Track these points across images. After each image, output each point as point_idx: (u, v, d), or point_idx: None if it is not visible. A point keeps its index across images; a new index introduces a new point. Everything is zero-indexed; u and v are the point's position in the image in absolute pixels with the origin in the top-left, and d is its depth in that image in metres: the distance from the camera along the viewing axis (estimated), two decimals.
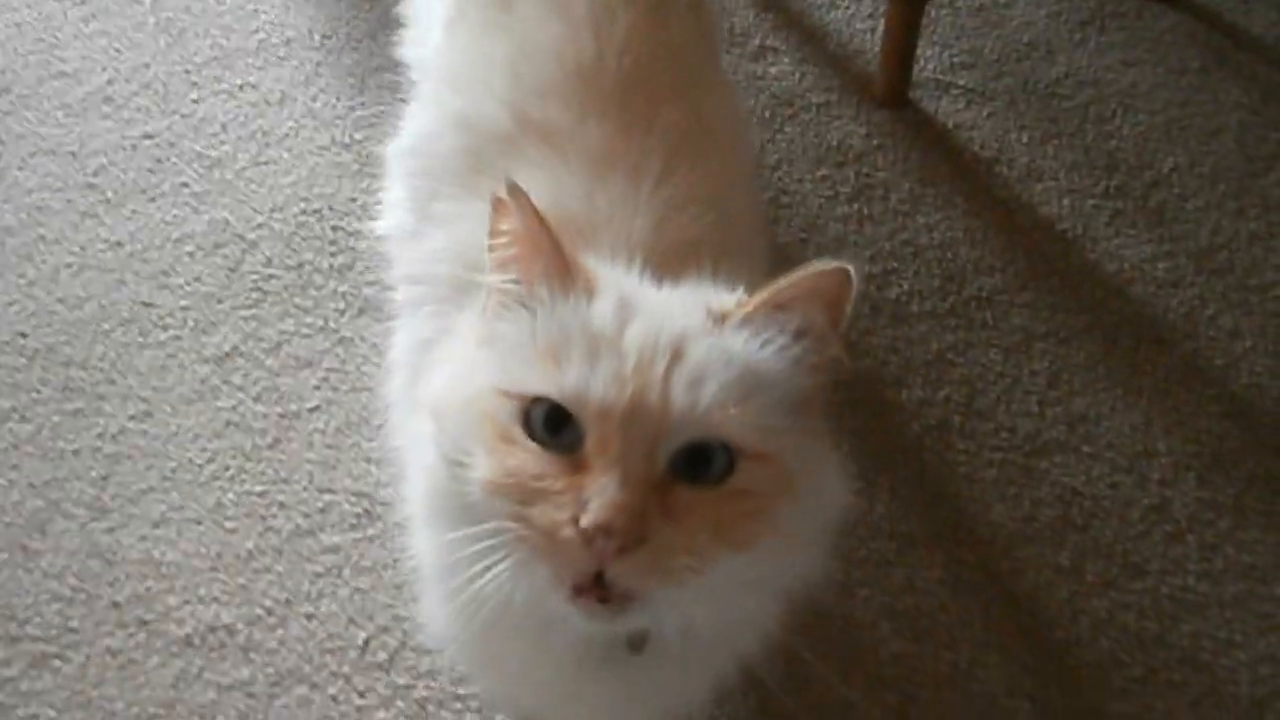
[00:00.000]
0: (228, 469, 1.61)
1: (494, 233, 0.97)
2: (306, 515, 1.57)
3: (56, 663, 1.47)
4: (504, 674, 1.14)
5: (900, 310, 1.76)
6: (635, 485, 0.86)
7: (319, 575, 1.52)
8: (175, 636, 1.48)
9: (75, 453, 1.62)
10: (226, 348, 1.71)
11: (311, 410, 1.66)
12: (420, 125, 1.32)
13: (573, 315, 0.92)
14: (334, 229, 1.83)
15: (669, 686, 1.07)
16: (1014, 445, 1.64)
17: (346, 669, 1.46)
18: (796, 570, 0.98)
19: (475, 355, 0.97)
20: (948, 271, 1.81)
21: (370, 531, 1.55)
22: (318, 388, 1.68)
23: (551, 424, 0.89)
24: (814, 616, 1.07)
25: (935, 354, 1.72)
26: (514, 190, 0.94)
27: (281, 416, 1.65)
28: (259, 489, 1.59)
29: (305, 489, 1.59)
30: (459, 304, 1.12)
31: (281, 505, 1.58)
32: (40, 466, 1.61)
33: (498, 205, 0.95)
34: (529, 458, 0.89)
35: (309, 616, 1.50)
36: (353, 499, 1.58)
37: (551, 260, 0.94)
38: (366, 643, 1.48)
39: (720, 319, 0.93)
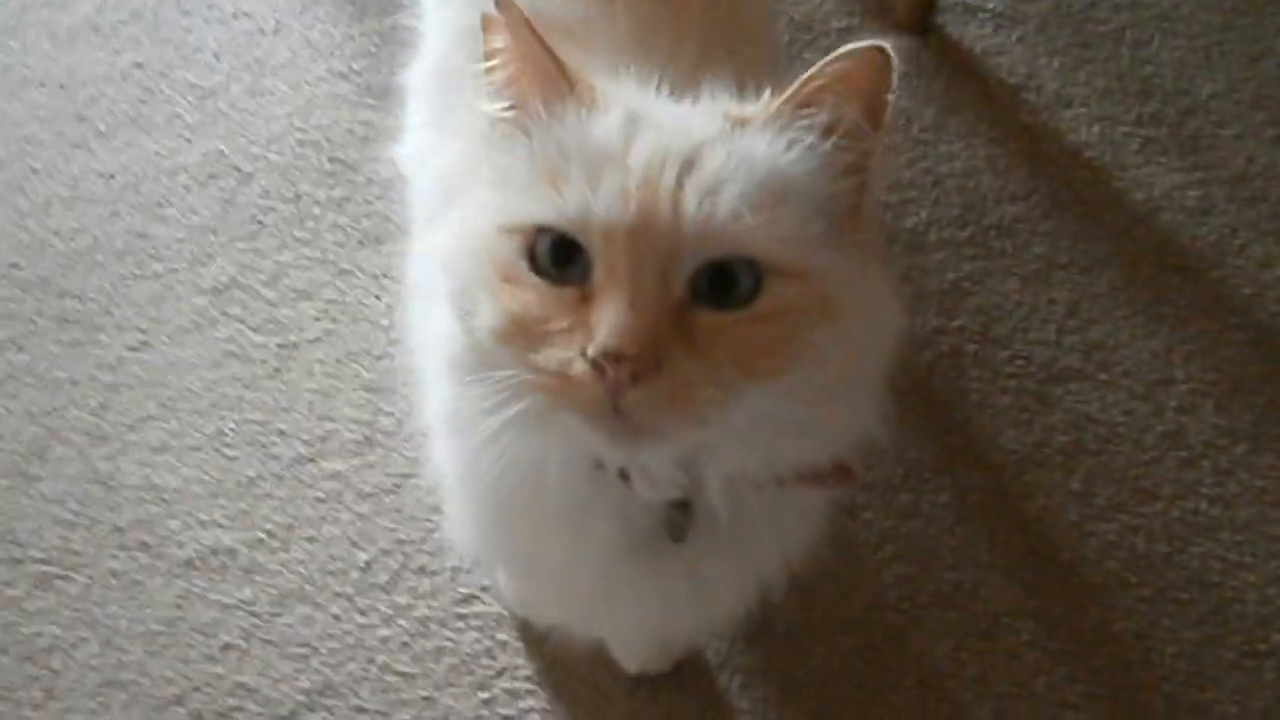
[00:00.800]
0: (227, 397, 1.87)
1: (487, 55, 1.01)
2: (307, 443, 1.83)
3: (60, 583, 1.74)
4: (540, 573, 1.29)
5: (916, 239, 2.01)
6: (646, 307, 0.90)
7: (320, 500, 1.79)
8: (177, 558, 1.75)
9: (73, 382, 1.89)
10: (224, 279, 1.98)
11: (311, 341, 1.92)
12: (432, 48, 1.46)
13: (572, 131, 0.96)
14: (331, 160, 2.10)
15: (711, 584, 1.17)
16: (1029, 373, 1.89)
17: (348, 590, 1.72)
18: (844, 413, 1.02)
19: (482, 198, 1.02)
20: (968, 200, 2.06)
21: (371, 458, 1.82)
22: (317, 319, 1.94)
23: (558, 256, 0.94)
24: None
25: (951, 283, 1.97)
26: (503, 2, 0.97)
27: (281, 347, 1.92)
28: (259, 417, 1.86)
29: (306, 417, 1.85)
30: None
31: (282, 433, 1.84)
32: (38, 395, 1.88)
33: (487, 23, 0.99)
34: (534, 296, 0.95)
35: (310, 540, 1.76)
36: (353, 427, 1.84)
37: (545, 71, 0.98)
38: (368, 565, 1.74)
39: (741, 123, 0.97)
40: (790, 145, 0.95)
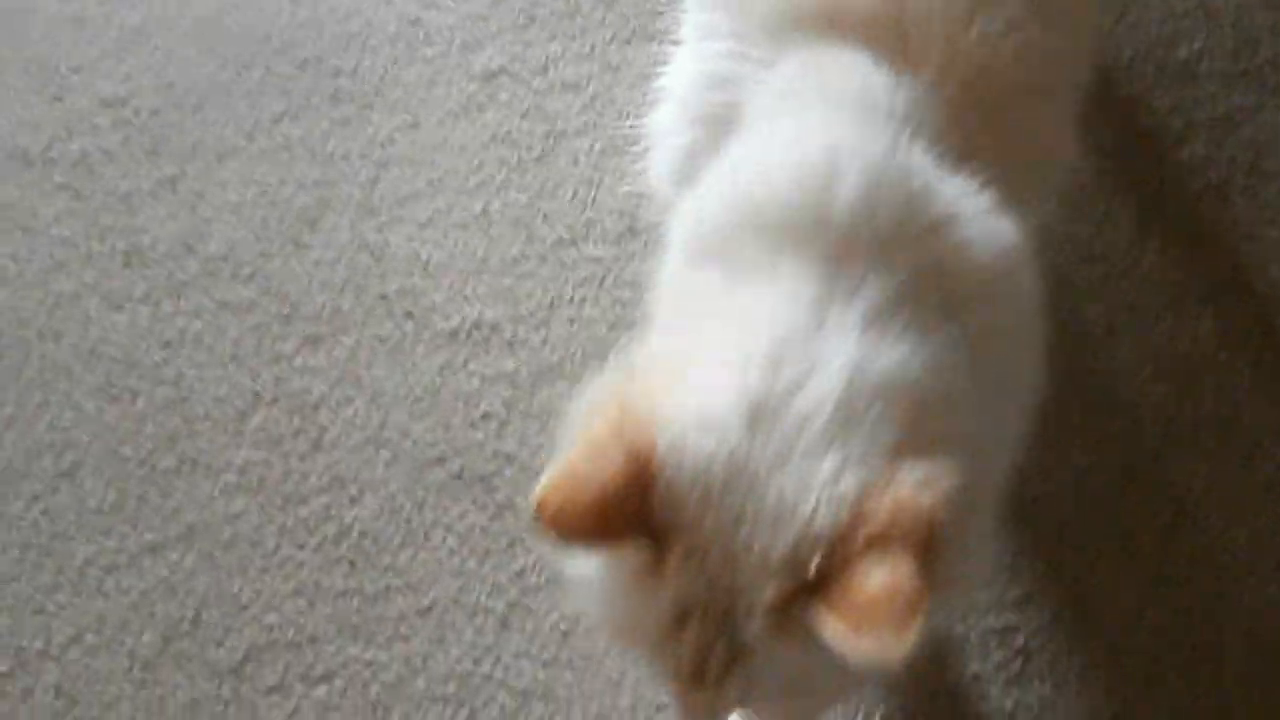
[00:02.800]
0: (494, 179, 1.85)
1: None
2: (570, 227, 1.80)
3: (328, 344, 1.74)
4: None
5: (1187, 70, 1.91)
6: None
7: (581, 282, 1.76)
8: (441, 329, 1.74)
9: (344, 156, 1.88)
10: (494, 67, 1.94)
11: (576, 131, 1.88)
12: None
13: (634, 604, 1.01)
14: None
15: None
16: None
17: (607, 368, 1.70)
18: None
19: None
20: (1243, 34, 1.95)
21: (631, 248, 1.78)
22: (583, 111, 1.90)
23: None
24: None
25: (1223, 114, 1.87)
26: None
27: (547, 134, 1.88)
28: (524, 199, 1.83)
29: (569, 202, 1.82)
30: (765, 58, 1.18)
31: (545, 216, 1.81)
32: (310, 167, 1.87)
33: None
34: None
35: (571, 320, 1.74)
36: (615, 216, 1.81)
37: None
38: (627, 347, 1.71)
39: (783, 610, 0.94)
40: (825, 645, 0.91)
